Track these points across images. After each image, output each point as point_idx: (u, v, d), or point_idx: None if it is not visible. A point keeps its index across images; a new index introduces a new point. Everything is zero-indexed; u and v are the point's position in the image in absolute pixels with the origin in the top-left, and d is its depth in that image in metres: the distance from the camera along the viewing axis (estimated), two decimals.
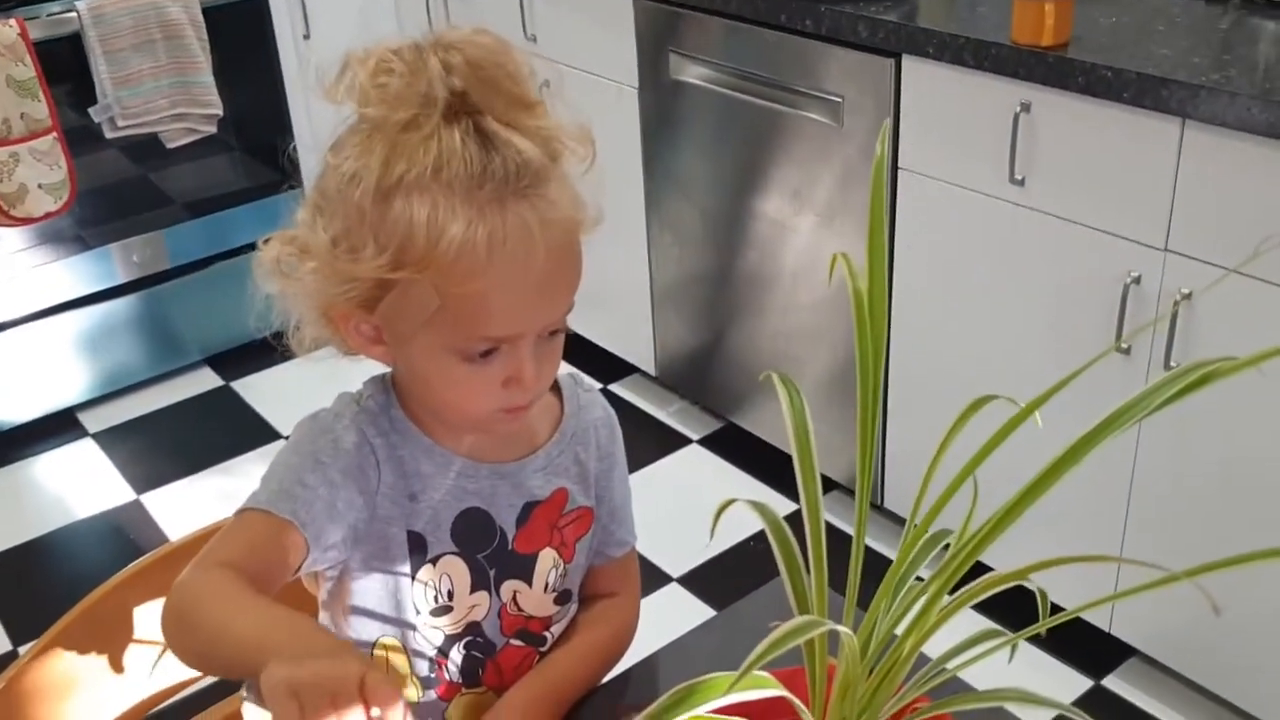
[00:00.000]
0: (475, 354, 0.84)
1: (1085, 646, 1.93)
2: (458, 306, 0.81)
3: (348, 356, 0.92)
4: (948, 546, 0.71)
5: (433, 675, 0.98)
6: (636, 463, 1.07)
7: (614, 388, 2.77)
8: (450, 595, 0.96)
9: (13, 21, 2.33)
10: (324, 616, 0.98)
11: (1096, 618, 1.88)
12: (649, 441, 2.58)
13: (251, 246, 0.89)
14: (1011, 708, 0.92)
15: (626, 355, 2.74)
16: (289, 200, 0.90)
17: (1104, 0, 1.85)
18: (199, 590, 0.78)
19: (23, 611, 2.22)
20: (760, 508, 0.74)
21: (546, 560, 0.99)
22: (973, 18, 1.82)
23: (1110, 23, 1.76)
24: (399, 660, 0.96)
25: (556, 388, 1.01)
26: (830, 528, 0.72)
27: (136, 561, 1.02)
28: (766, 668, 0.56)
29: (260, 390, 2.86)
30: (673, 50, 2.28)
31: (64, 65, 2.47)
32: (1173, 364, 1.63)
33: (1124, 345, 1.67)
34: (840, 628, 0.62)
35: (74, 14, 2.45)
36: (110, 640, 1.01)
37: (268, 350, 0.94)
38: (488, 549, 0.96)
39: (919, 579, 0.71)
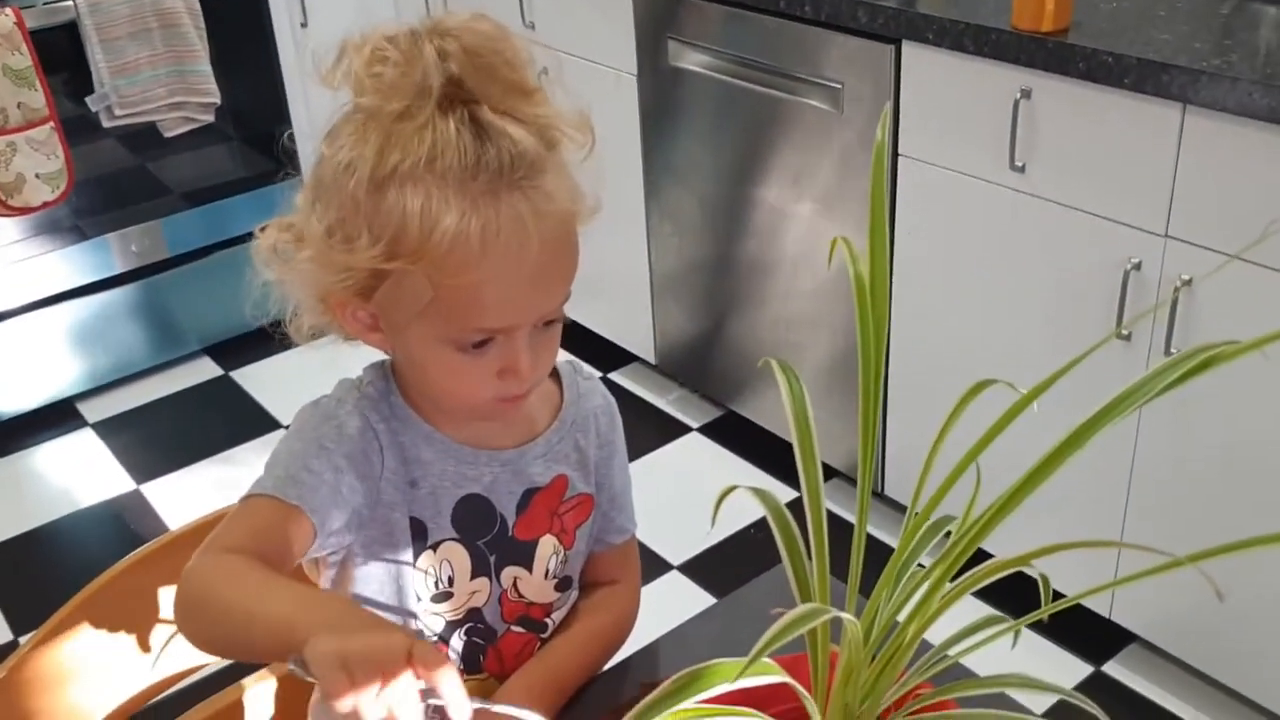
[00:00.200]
0: (469, 344, 0.84)
1: (1085, 633, 1.93)
2: (451, 298, 0.81)
3: (347, 342, 0.92)
4: (948, 534, 0.71)
5: None
6: (636, 451, 1.07)
7: (613, 376, 2.77)
8: (451, 581, 0.96)
9: (9, 10, 2.32)
10: None
11: (1097, 604, 1.88)
12: (649, 430, 2.58)
13: (250, 236, 0.89)
14: (1013, 693, 0.92)
15: (626, 343, 2.74)
16: (286, 189, 0.89)
17: None
18: (215, 576, 0.78)
19: (23, 601, 2.22)
20: (762, 494, 0.74)
21: (547, 547, 0.99)
22: (972, 3, 1.81)
23: (1111, 8, 1.75)
24: None
25: (556, 375, 1.01)
26: (830, 515, 0.72)
27: (137, 550, 1.02)
28: (768, 654, 0.56)
29: (260, 379, 2.86)
30: (671, 37, 2.27)
31: (61, 54, 2.46)
32: (1173, 350, 1.62)
33: (1124, 331, 1.67)
34: (844, 615, 0.62)
35: (70, 2, 2.44)
36: (110, 630, 1.01)
37: (267, 339, 0.94)
38: (488, 535, 0.96)
39: (920, 566, 0.71)
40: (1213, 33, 1.63)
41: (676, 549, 2.22)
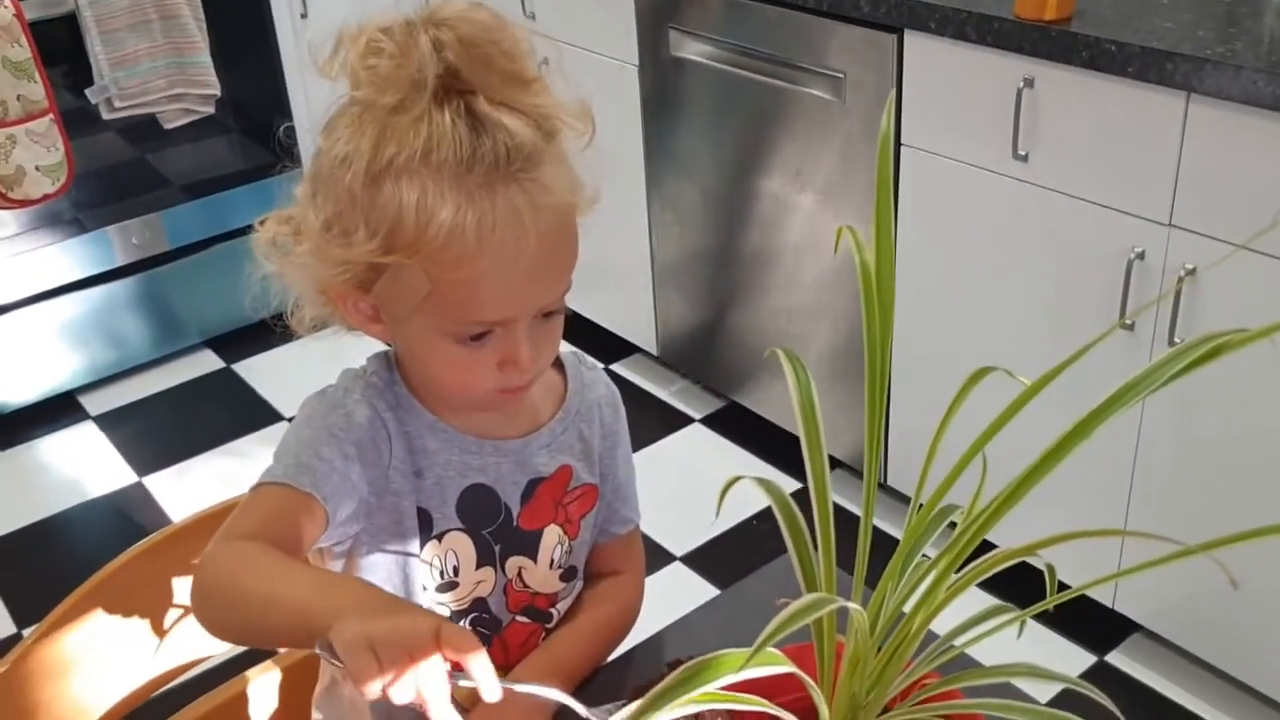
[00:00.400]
0: (468, 337, 0.84)
1: (1088, 623, 1.93)
2: (449, 292, 0.81)
3: (350, 333, 0.92)
4: (953, 524, 0.71)
5: None
6: (638, 442, 1.07)
7: (615, 367, 2.77)
8: (456, 571, 0.96)
9: (8, 2, 2.31)
10: None
11: (1100, 594, 1.88)
12: (651, 421, 2.58)
13: (251, 228, 0.89)
14: (1019, 683, 0.92)
15: (628, 335, 2.73)
16: (284, 182, 0.89)
17: None
18: (232, 563, 0.78)
19: (26, 594, 2.22)
20: (767, 484, 0.74)
21: (551, 537, 0.99)
22: None
23: None
24: None
25: (560, 365, 1.01)
26: (834, 506, 0.72)
27: (139, 543, 1.02)
28: (774, 644, 0.56)
29: (261, 372, 2.85)
30: (673, 27, 2.26)
31: (60, 46, 2.45)
32: (1177, 340, 1.62)
33: (1128, 321, 1.67)
34: (851, 604, 0.62)
35: None
36: (114, 622, 1.01)
37: (268, 332, 0.94)
38: (492, 525, 0.96)
39: (925, 557, 0.71)
40: (1216, 20, 1.63)
41: (679, 540, 2.22)
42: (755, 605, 0.94)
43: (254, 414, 2.70)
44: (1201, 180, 1.55)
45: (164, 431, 2.69)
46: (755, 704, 0.65)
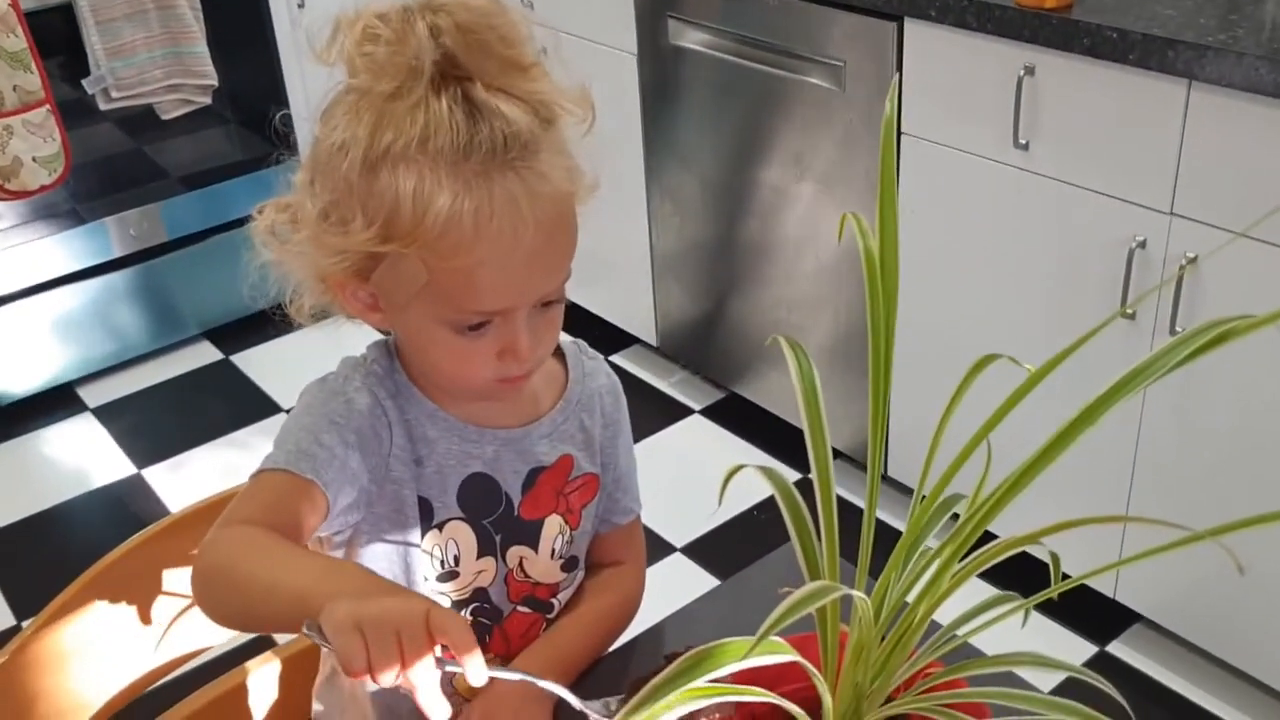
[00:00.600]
0: (466, 326, 0.83)
1: (1089, 613, 1.93)
2: (446, 281, 0.81)
3: (349, 321, 0.91)
4: (956, 515, 0.71)
5: None
6: (638, 433, 1.07)
7: (615, 358, 2.76)
8: (456, 561, 0.95)
9: None
10: None
11: (1101, 584, 1.88)
12: (651, 412, 2.57)
13: (249, 219, 0.88)
14: (1022, 672, 0.92)
15: (627, 326, 2.73)
16: (282, 171, 0.88)
17: None
18: (234, 548, 0.77)
19: (25, 586, 2.22)
20: (770, 473, 0.73)
21: (552, 526, 0.99)
22: None
23: None
24: None
25: (561, 355, 1.00)
26: (836, 497, 0.72)
27: (138, 534, 1.01)
28: (778, 634, 0.56)
29: (260, 363, 2.85)
30: (671, 16, 2.25)
31: (56, 36, 2.44)
32: (1178, 329, 1.62)
33: (1129, 310, 1.66)
34: (855, 593, 0.61)
35: None
36: (113, 613, 1.00)
37: (267, 323, 0.93)
38: (493, 515, 0.95)
39: (927, 547, 0.71)
40: (1218, 7, 1.62)
41: (679, 531, 2.22)
42: (757, 595, 0.94)
43: (252, 405, 2.70)
44: (1203, 168, 1.55)
45: (162, 423, 2.69)
46: (759, 694, 0.65)
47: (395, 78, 0.78)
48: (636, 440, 1.06)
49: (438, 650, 0.64)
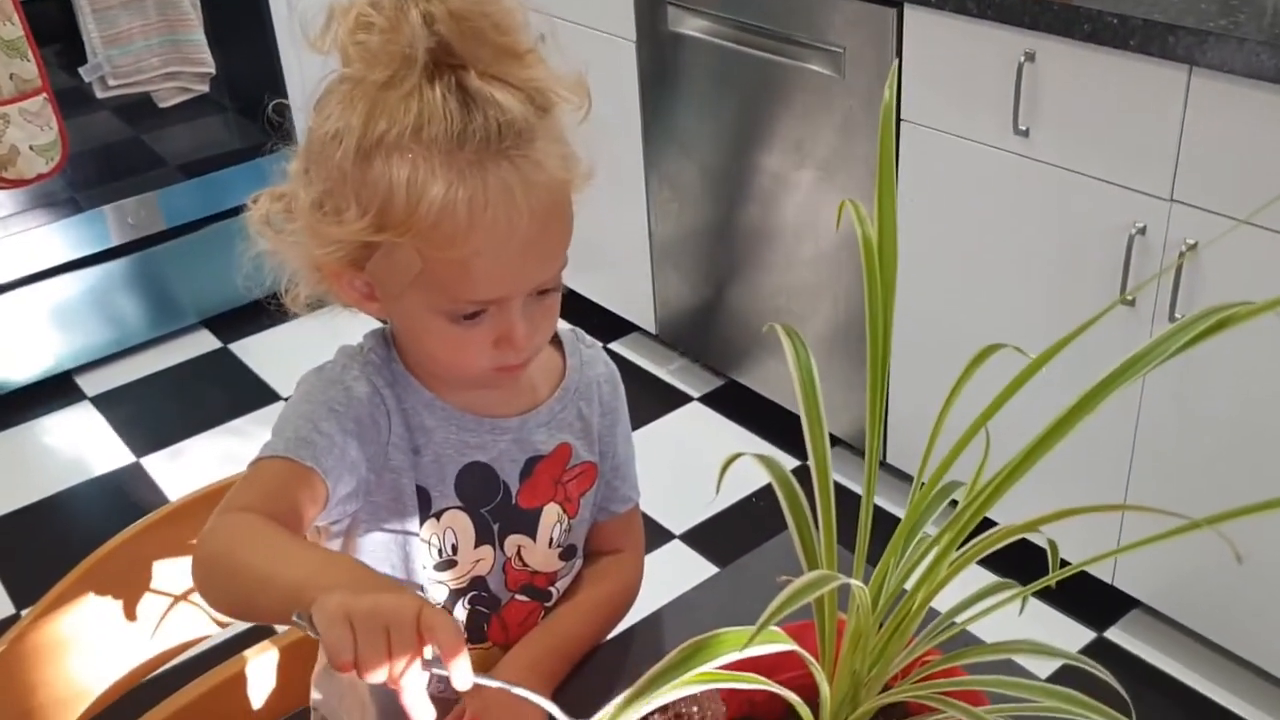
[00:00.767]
0: (462, 315, 0.83)
1: (1087, 599, 1.93)
2: (441, 270, 0.80)
3: (346, 310, 0.91)
4: (954, 502, 0.70)
5: None
6: (637, 421, 1.06)
7: (614, 346, 2.76)
8: (454, 550, 0.95)
9: None
10: None
11: (1099, 570, 1.88)
12: (650, 400, 2.57)
13: (246, 207, 0.88)
14: (1020, 659, 0.92)
15: (626, 313, 2.73)
16: (278, 159, 0.88)
17: None
18: (234, 537, 0.77)
19: (23, 575, 2.22)
20: (767, 461, 0.73)
21: (550, 515, 0.98)
22: None
23: None
24: None
25: (559, 343, 1.00)
26: (834, 484, 0.72)
27: (137, 522, 1.01)
28: (775, 622, 0.55)
29: (258, 352, 2.85)
30: (670, 2, 2.24)
31: (52, 24, 2.43)
32: (1178, 315, 1.61)
33: (1129, 297, 1.66)
34: (853, 581, 0.61)
35: None
36: (111, 602, 1.00)
37: (265, 312, 0.93)
38: (491, 503, 0.95)
39: (925, 534, 0.71)
40: None
41: (678, 518, 2.22)
42: (755, 583, 0.94)
43: (251, 394, 2.70)
44: (1203, 155, 1.54)
45: (161, 412, 2.68)
46: (756, 682, 0.65)
47: (389, 66, 0.77)
48: (635, 428, 1.06)
49: (428, 652, 0.63)
